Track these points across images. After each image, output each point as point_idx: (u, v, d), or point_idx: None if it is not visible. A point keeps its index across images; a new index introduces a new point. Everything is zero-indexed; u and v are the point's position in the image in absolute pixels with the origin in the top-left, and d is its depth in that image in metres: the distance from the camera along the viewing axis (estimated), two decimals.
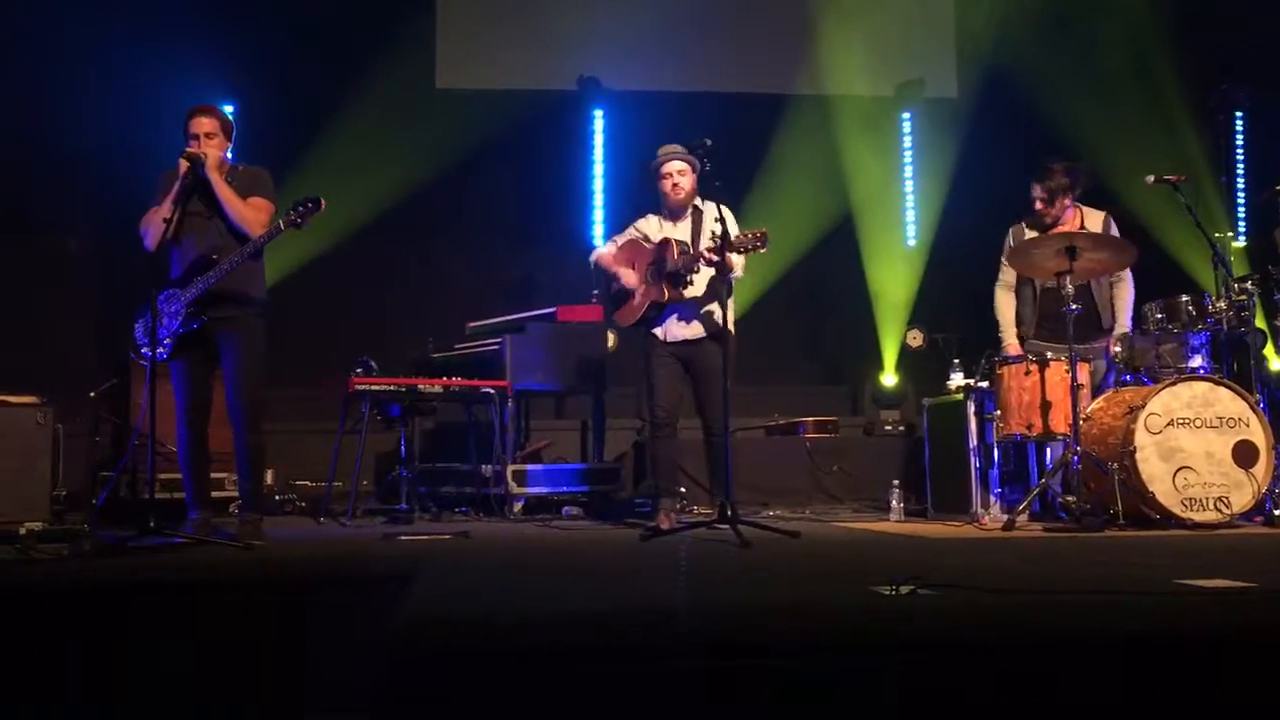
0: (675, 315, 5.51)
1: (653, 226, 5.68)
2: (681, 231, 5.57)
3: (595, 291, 7.16)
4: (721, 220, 5.07)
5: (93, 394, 6.54)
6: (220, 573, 3.82)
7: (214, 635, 3.42)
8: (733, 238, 5.03)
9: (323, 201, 4.68)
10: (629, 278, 5.58)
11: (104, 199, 7.65)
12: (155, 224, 4.66)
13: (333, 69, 8.28)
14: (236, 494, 5.69)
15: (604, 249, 5.84)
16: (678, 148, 5.57)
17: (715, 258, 5.11)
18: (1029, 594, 2.84)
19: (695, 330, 5.50)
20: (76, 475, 6.40)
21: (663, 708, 2.19)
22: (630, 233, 5.75)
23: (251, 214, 4.75)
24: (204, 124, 4.78)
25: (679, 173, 5.54)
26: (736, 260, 5.17)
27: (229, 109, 8.26)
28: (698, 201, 5.59)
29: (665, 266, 5.41)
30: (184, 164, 4.67)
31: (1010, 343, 5.98)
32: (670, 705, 2.20)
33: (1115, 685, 2.27)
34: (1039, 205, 5.87)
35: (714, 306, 5.46)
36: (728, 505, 4.57)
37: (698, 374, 5.51)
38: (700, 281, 5.44)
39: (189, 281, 4.69)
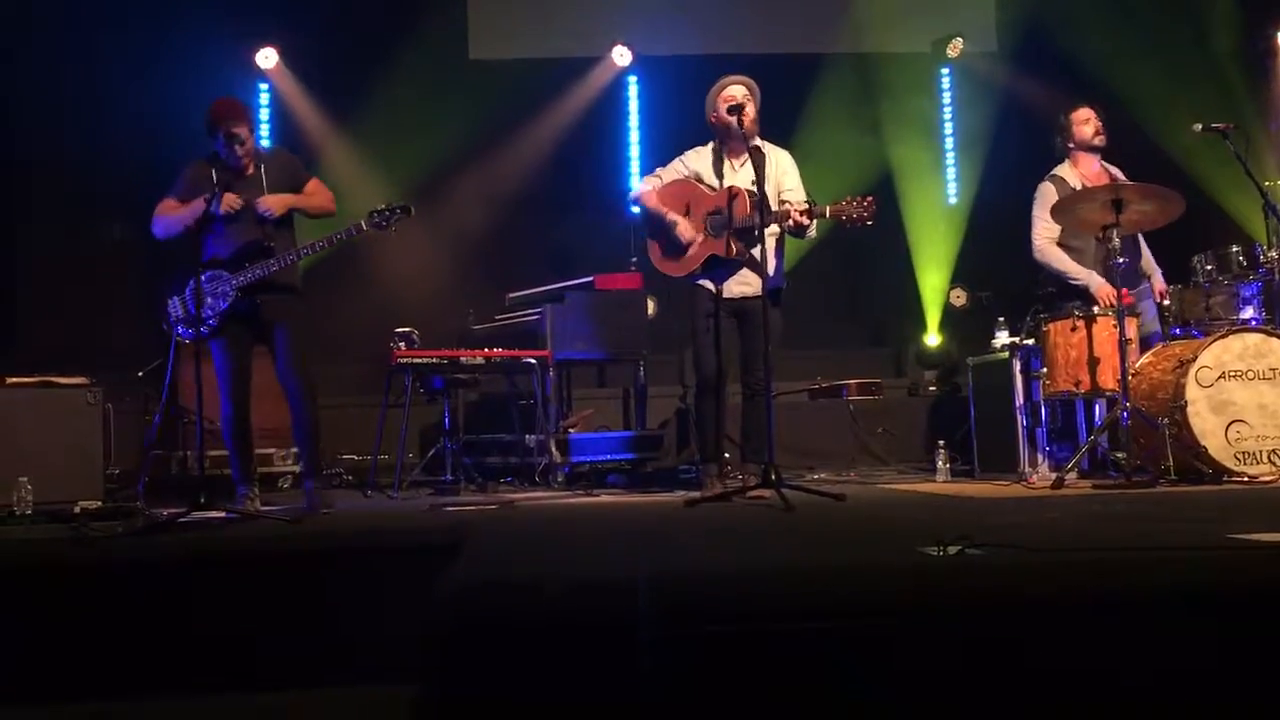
0: (737, 270, 5.07)
1: (705, 164, 5.18)
2: (743, 176, 5.05)
3: (634, 260, 7.13)
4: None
5: (140, 374, 6.62)
6: (272, 545, 3.89)
7: (269, 606, 3.48)
8: (831, 206, 4.81)
9: (412, 209, 4.78)
10: (684, 230, 5.08)
11: (147, 182, 7.70)
12: (169, 219, 4.72)
13: (366, 42, 8.28)
14: (283, 469, 5.75)
15: (646, 186, 5.30)
16: (738, 75, 5.12)
17: (806, 221, 4.81)
18: (1079, 551, 2.80)
19: (757, 287, 4.93)
20: (128, 454, 6.49)
21: (715, 670, 2.19)
22: (677, 168, 5.25)
23: (321, 200, 4.87)
24: (242, 133, 4.78)
25: (744, 97, 5.01)
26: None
27: (263, 87, 8.37)
28: (758, 142, 5.09)
29: (733, 221, 4.95)
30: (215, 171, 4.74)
31: (1099, 283, 5.56)
32: (722, 668, 2.20)
33: (1169, 641, 2.24)
34: (1100, 126, 5.79)
35: (776, 263, 5.13)
36: (771, 469, 4.49)
37: (750, 332, 5.11)
38: (770, 237, 4.95)
39: (240, 265, 4.74)
